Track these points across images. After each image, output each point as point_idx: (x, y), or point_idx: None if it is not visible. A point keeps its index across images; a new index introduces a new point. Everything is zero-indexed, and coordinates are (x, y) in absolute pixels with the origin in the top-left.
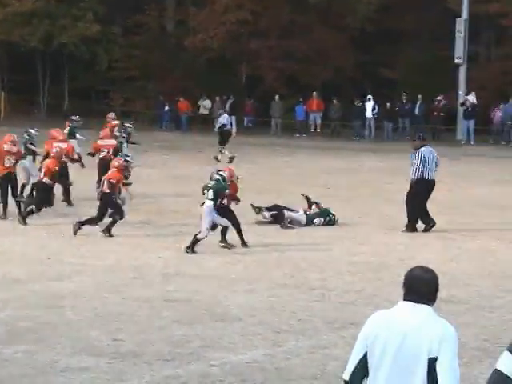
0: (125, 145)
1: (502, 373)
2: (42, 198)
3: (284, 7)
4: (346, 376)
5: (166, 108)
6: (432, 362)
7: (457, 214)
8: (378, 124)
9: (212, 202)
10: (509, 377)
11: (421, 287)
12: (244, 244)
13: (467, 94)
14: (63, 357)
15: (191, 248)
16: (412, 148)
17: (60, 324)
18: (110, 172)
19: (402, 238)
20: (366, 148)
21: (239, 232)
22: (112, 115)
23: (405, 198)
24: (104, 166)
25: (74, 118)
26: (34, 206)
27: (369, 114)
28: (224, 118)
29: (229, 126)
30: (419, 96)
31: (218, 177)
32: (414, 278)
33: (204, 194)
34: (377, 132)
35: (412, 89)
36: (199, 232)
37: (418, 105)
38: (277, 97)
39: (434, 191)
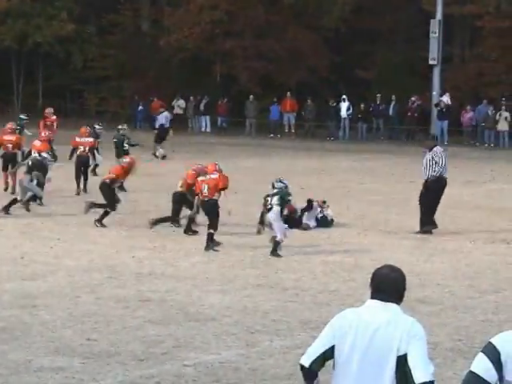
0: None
1: (477, 375)
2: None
3: (259, 7)
4: (307, 362)
5: (141, 107)
6: (401, 360)
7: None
8: (352, 125)
9: (279, 208)
10: (484, 379)
11: (388, 286)
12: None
13: (441, 95)
14: (37, 357)
15: (274, 252)
16: (424, 147)
17: (34, 324)
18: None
19: (376, 239)
20: (340, 148)
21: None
22: (50, 110)
23: (416, 197)
24: (81, 163)
25: (22, 116)
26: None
27: (344, 114)
28: (163, 118)
29: (167, 125)
30: (393, 97)
31: (281, 184)
32: (382, 277)
33: (266, 203)
34: (351, 132)
35: (386, 89)
36: (276, 236)
37: (392, 105)
38: (251, 97)
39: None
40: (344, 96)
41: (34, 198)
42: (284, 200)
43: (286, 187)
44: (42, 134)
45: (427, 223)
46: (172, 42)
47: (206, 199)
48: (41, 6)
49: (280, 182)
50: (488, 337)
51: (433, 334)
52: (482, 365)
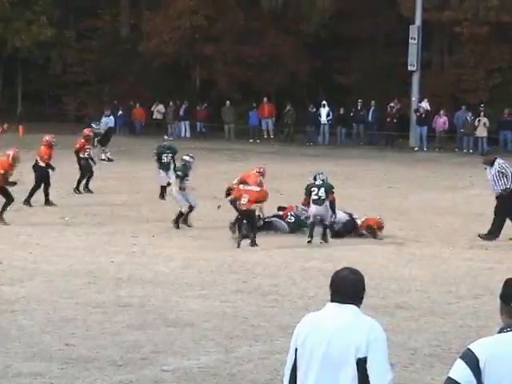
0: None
1: (455, 381)
2: None
3: (238, 13)
4: (286, 381)
5: (120, 113)
6: (361, 363)
7: (409, 220)
8: (331, 130)
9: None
10: None
11: (347, 288)
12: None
13: (420, 101)
14: (15, 362)
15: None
16: (485, 163)
17: (12, 329)
18: None
19: (356, 244)
20: (319, 153)
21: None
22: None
23: (493, 210)
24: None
25: None
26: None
27: (323, 119)
28: (111, 121)
29: (113, 126)
30: (372, 102)
31: (323, 177)
32: (340, 279)
33: (311, 193)
34: (330, 138)
35: (365, 95)
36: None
37: (371, 111)
38: (228, 102)
39: (386, 198)
40: (324, 101)
41: None
42: (328, 193)
43: (327, 179)
44: None
45: (493, 232)
46: (151, 46)
47: (244, 208)
48: (20, 10)
49: (321, 174)
50: (467, 342)
51: (411, 339)
52: (460, 371)
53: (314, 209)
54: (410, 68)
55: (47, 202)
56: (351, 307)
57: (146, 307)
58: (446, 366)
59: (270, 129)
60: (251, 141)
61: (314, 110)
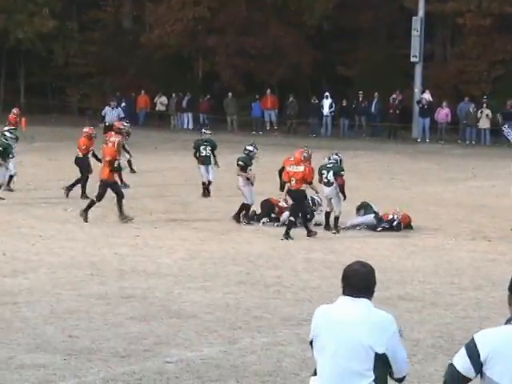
0: None
1: (456, 369)
2: None
3: (241, 4)
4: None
5: (123, 104)
6: (381, 357)
7: (412, 211)
8: (334, 122)
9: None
10: (462, 374)
11: (358, 282)
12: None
13: (423, 93)
14: (18, 353)
15: (337, 228)
16: None
17: (15, 321)
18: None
19: (359, 236)
20: (322, 145)
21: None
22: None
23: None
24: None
25: None
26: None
27: (326, 111)
28: (121, 112)
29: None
30: (375, 94)
31: (336, 157)
32: (352, 273)
33: (322, 174)
34: (333, 130)
35: (368, 87)
36: (335, 211)
37: (374, 103)
38: (230, 94)
39: (389, 189)
40: (327, 93)
41: None
42: (337, 175)
43: (341, 161)
44: None
45: None
46: (154, 38)
47: (293, 189)
48: (22, 2)
49: (336, 155)
50: (469, 333)
51: (414, 330)
52: (461, 360)
53: (326, 190)
54: (412, 60)
55: (84, 194)
56: (363, 301)
57: (149, 299)
58: (449, 358)
59: (273, 120)
60: (254, 132)
61: (317, 101)
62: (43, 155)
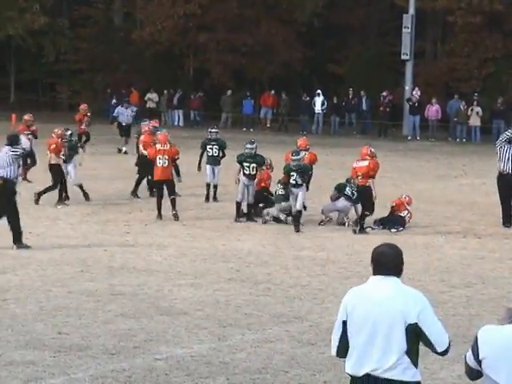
0: None
1: (466, 361)
2: None
3: (232, 1)
4: (334, 352)
5: (114, 101)
6: (411, 328)
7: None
8: (325, 119)
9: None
10: (471, 366)
11: (387, 261)
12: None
13: (413, 90)
14: (7, 350)
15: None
16: None
17: (4, 317)
18: None
19: (348, 233)
20: (313, 142)
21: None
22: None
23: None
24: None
25: None
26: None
27: (318, 108)
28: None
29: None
30: (362, 92)
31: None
32: (380, 254)
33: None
34: (324, 127)
35: (359, 84)
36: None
37: (364, 100)
38: (229, 92)
39: (379, 187)
40: (319, 91)
41: None
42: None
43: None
44: None
45: None
46: (145, 35)
47: (360, 185)
48: None
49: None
50: (459, 331)
51: None
52: (469, 355)
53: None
54: (403, 57)
55: (134, 192)
56: (393, 278)
57: (139, 296)
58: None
59: (269, 118)
60: (244, 129)
61: (308, 99)
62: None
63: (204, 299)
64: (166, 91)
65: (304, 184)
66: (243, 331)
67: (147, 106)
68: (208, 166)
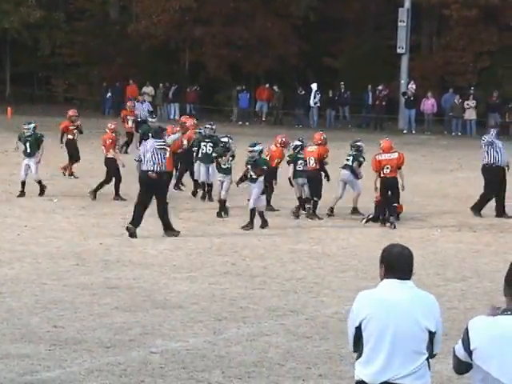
0: None
1: (455, 354)
2: None
3: None
4: (351, 348)
5: (109, 94)
6: (432, 336)
7: None
8: (321, 113)
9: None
10: (460, 359)
11: (403, 265)
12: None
13: (408, 83)
14: (3, 344)
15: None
16: None
17: None
18: None
19: (344, 227)
20: (308, 136)
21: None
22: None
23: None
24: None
25: None
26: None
27: (312, 102)
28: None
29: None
30: (369, 86)
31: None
32: (395, 256)
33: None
34: (319, 120)
35: (354, 78)
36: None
37: (370, 94)
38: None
39: (374, 180)
40: (312, 84)
41: None
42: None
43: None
44: None
45: None
46: (140, 29)
47: (390, 176)
48: None
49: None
50: (454, 324)
51: None
52: (458, 347)
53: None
54: (398, 51)
55: (177, 185)
56: (409, 283)
57: (135, 289)
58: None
59: (265, 112)
60: (240, 123)
61: (303, 92)
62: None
63: (199, 293)
64: (161, 85)
65: (259, 179)
66: (238, 325)
67: (143, 99)
68: (202, 165)
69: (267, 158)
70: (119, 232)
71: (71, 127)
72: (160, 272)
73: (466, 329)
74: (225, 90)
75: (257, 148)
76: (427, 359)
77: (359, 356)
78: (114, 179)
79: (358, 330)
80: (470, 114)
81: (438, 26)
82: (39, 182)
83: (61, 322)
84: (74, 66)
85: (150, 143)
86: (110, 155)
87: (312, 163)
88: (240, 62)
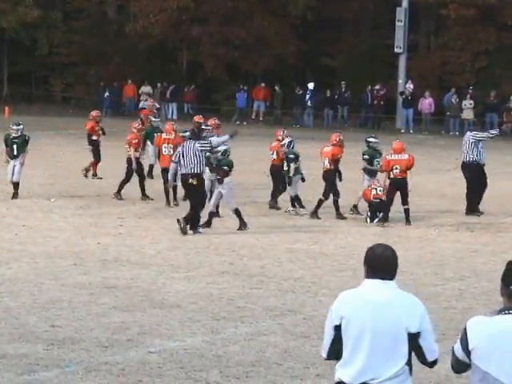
0: None
1: (455, 355)
2: None
3: None
4: (324, 354)
5: (106, 94)
6: (413, 337)
7: (395, 202)
8: (318, 112)
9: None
10: (459, 359)
11: (385, 265)
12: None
13: (406, 83)
14: (1, 343)
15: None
16: None
17: None
18: None
19: (342, 226)
20: (306, 136)
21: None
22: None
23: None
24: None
25: None
26: None
27: (309, 102)
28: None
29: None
30: (369, 86)
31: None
32: (377, 256)
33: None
34: (317, 120)
35: (352, 77)
36: None
37: (369, 94)
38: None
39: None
40: (309, 84)
41: None
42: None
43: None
44: None
45: None
46: (138, 28)
47: (399, 177)
48: None
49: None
50: (452, 324)
51: None
52: (457, 347)
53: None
54: (396, 50)
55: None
56: (391, 283)
57: (133, 289)
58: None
59: (261, 111)
60: (238, 123)
61: (301, 92)
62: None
63: (197, 292)
64: (159, 84)
65: (226, 180)
66: (236, 324)
67: (141, 99)
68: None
69: (274, 156)
70: (117, 231)
71: (97, 128)
72: (158, 271)
73: (465, 328)
74: (222, 89)
75: (220, 148)
76: (408, 364)
77: (339, 358)
78: (138, 179)
79: (338, 329)
80: (468, 114)
81: (435, 26)
82: (17, 184)
83: (58, 321)
84: (72, 66)
85: (191, 144)
86: (134, 155)
87: (326, 164)
88: (238, 61)
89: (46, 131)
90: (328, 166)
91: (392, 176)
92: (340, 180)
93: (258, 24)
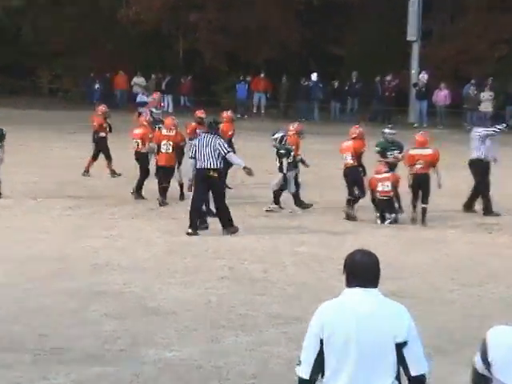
0: None
1: (475, 368)
2: None
3: None
4: (307, 374)
5: (97, 86)
6: (400, 347)
7: (409, 200)
8: (325, 105)
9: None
10: (480, 372)
11: (366, 272)
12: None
13: (420, 73)
14: None
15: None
16: None
17: None
18: None
19: (351, 227)
20: (312, 130)
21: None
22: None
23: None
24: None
25: None
26: None
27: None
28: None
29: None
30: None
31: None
32: (357, 263)
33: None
34: (324, 113)
35: (361, 67)
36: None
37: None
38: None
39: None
40: (312, 74)
41: None
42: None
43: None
44: None
45: None
46: (131, 15)
47: (422, 172)
48: None
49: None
50: (469, 332)
51: None
52: (477, 360)
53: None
54: (409, 38)
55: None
56: (374, 291)
57: (125, 295)
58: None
59: (262, 104)
60: (238, 116)
61: (307, 83)
62: (12, 140)
63: (195, 299)
64: (153, 75)
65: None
66: (237, 333)
67: (133, 91)
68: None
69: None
70: (107, 233)
71: (104, 124)
72: (152, 276)
73: (484, 339)
74: (222, 80)
75: (277, 135)
76: (397, 379)
77: (321, 376)
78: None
79: (321, 343)
80: (486, 106)
81: (451, 12)
82: None
83: (46, 330)
84: (60, 56)
85: (207, 138)
86: (143, 150)
87: (349, 159)
88: (238, 50)
89: (33, 125)
90: (351, 162)
91: (413, 171)
92: (364, 175)
93: (260, 10)
